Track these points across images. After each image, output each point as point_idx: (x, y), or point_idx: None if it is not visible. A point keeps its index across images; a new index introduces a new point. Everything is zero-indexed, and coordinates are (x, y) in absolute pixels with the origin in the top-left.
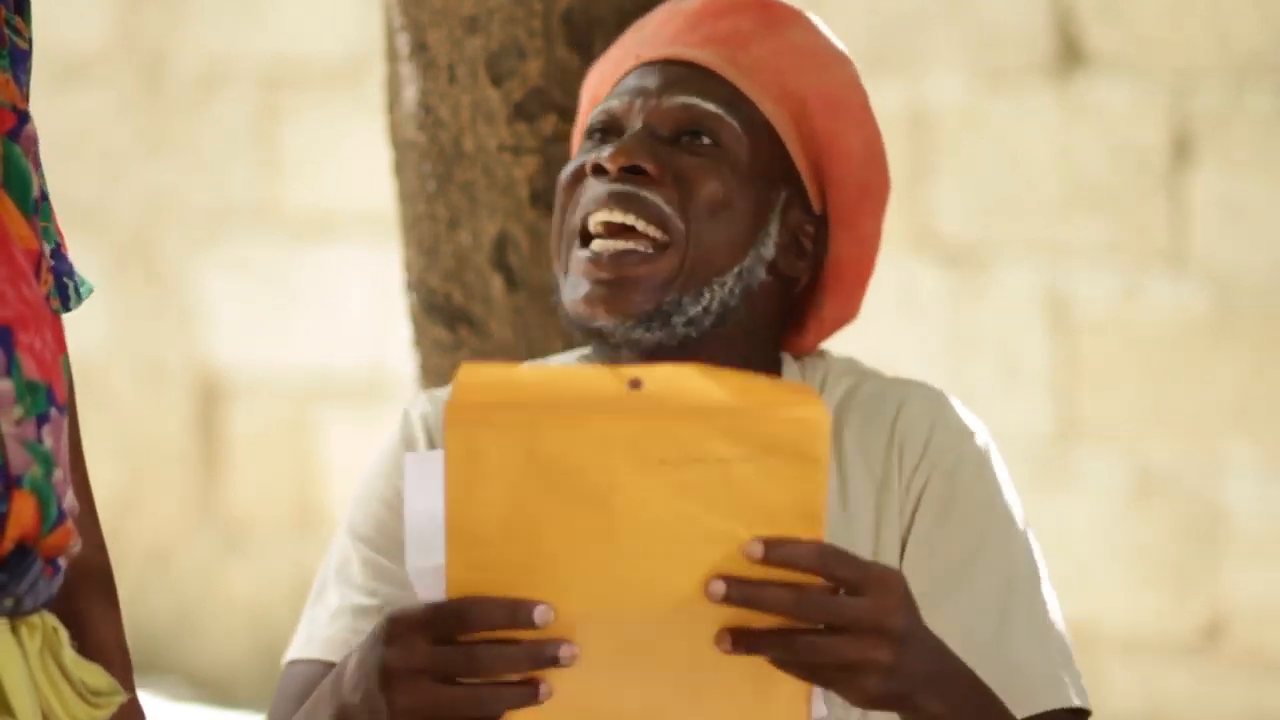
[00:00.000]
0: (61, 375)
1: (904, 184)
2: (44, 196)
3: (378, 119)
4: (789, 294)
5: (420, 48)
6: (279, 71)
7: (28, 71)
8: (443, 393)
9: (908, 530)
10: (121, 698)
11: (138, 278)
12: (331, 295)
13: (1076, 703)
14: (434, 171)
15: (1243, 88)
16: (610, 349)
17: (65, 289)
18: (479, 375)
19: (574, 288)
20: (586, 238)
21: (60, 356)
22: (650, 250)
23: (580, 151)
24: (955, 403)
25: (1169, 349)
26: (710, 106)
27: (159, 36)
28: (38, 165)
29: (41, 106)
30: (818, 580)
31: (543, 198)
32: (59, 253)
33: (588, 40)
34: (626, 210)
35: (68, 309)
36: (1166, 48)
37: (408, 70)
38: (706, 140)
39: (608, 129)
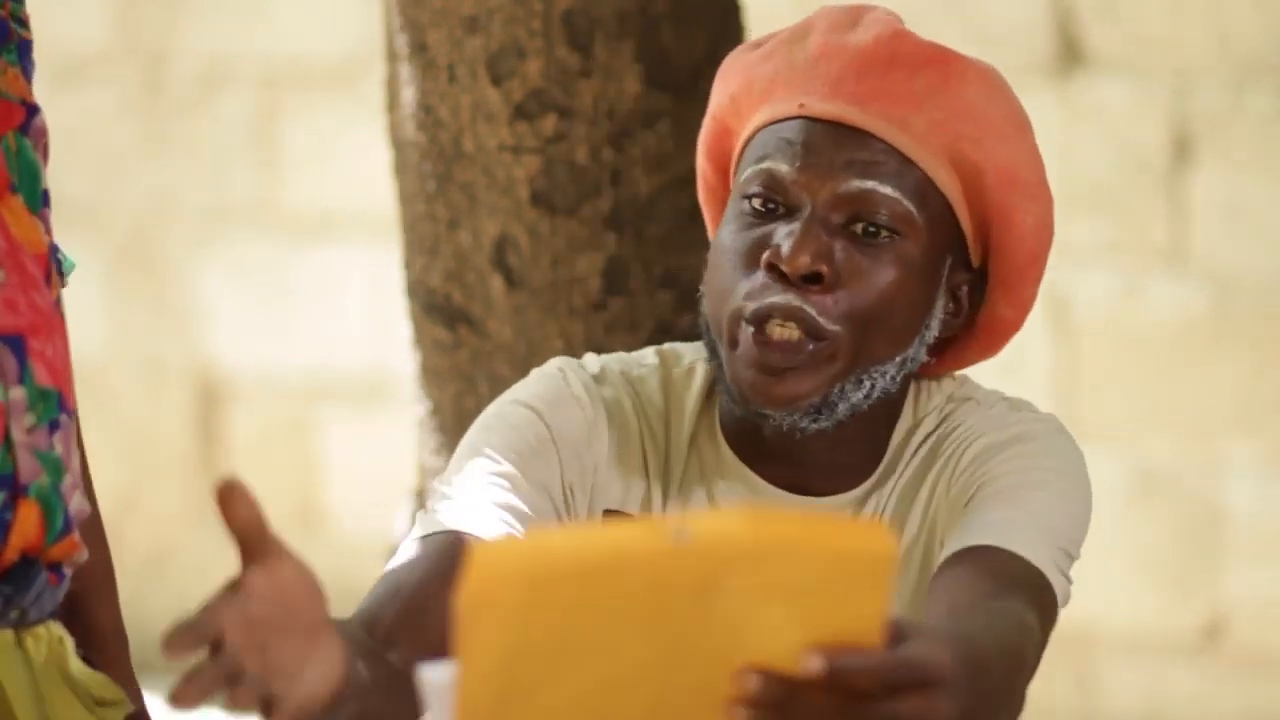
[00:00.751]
0: (70, 381)
1: None
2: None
3: (378, 119)
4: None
5: (420, 48)
6: (279, 71)
7: (33, 63)
8: (591, 367)
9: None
10: (128, 707)
11: (138, 278)
12: (331, 295)
13: (1020, 551)
14: (434, 171)
15: (1243, 88)
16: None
17: (58, 266)
18: (496, 549)
19: (742, 369)
20: (750, 320)
21: (68, 362)
22: (817, 343)
23: (739, 215)
24: (1029, 411)
25: (1169, 349)
26: (887, 190)
27: (159, 36)
28: (46, 158)
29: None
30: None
31: (542, 198)
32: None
33: (588, 40)
34: (790, 325)
35: (63, 284)
36: (1166, 48)
37: (408, 70)
38: (884, 234)
39: (769, 197)
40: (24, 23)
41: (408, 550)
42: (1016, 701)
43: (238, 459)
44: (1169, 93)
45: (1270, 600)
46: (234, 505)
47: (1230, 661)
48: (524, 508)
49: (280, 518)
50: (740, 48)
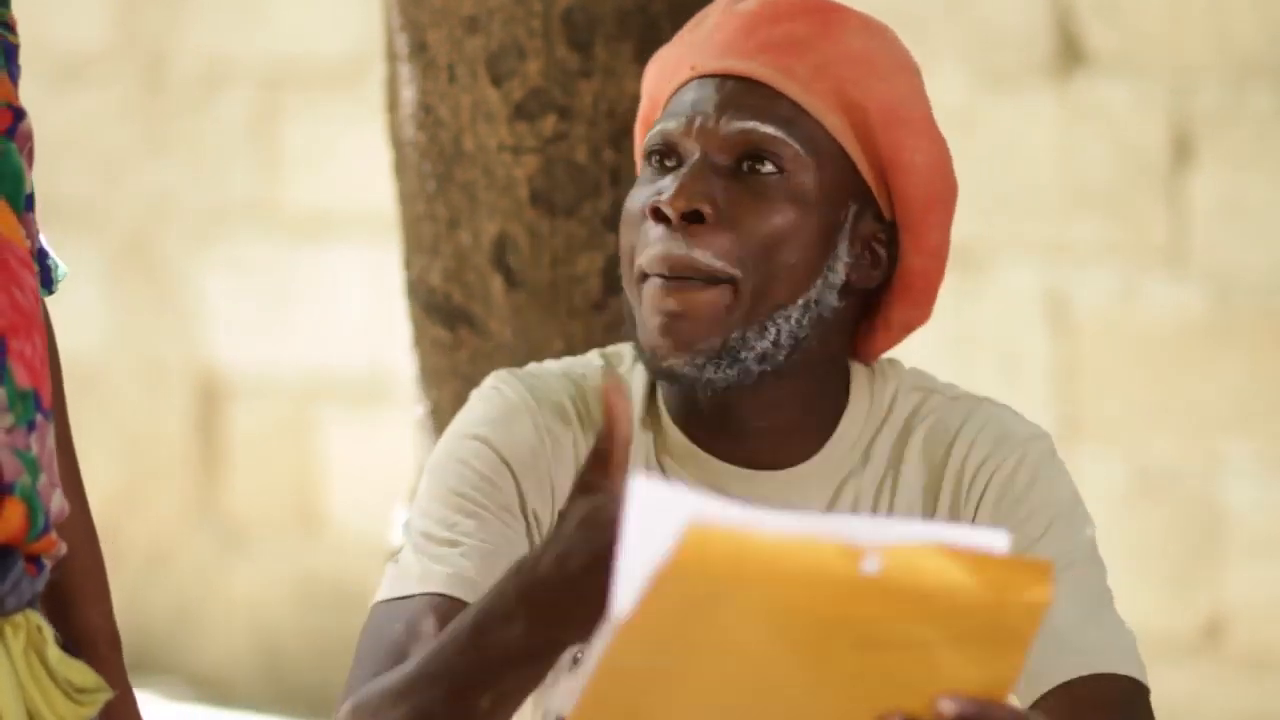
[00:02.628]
0: (48, 381)
1: None
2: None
3: (378, 119)
4: (863, 302)
5: (420, 48)
6: (279, 71)
7: (19, 68)
8: (527, 375)
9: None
10: (107, 694)
11: (138, 278)
12: (331, 295)
13: (1132, 672)
14: (434, 171)
15: (1243, 88)
16: (685, 389)
17: (47, 272)
18: (708, 535)
19: (648, 318)
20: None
21: (47, 361)
22: (707, 281)
23: (640, 178)
24: (1015, 414)
25: (1169, 349)
26: (770, 130)
27: (159, 36)
28: (31, 161)
29: (41, 106)
30: None
31: (542, 198)
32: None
33: (588, 40)
34: (681, 269)
35: (50, 292)
36: (1166, 48)
37: (408, 70)
38: (769, 167)
39: (665, 153)
40: (10, 27)
41: (391, 614)
42: None
43: (238, 459)
44: (1169, 93)
45: (1270, 600)
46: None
47: (1230, 661)
48: (489, 545)
49: (280, 518)
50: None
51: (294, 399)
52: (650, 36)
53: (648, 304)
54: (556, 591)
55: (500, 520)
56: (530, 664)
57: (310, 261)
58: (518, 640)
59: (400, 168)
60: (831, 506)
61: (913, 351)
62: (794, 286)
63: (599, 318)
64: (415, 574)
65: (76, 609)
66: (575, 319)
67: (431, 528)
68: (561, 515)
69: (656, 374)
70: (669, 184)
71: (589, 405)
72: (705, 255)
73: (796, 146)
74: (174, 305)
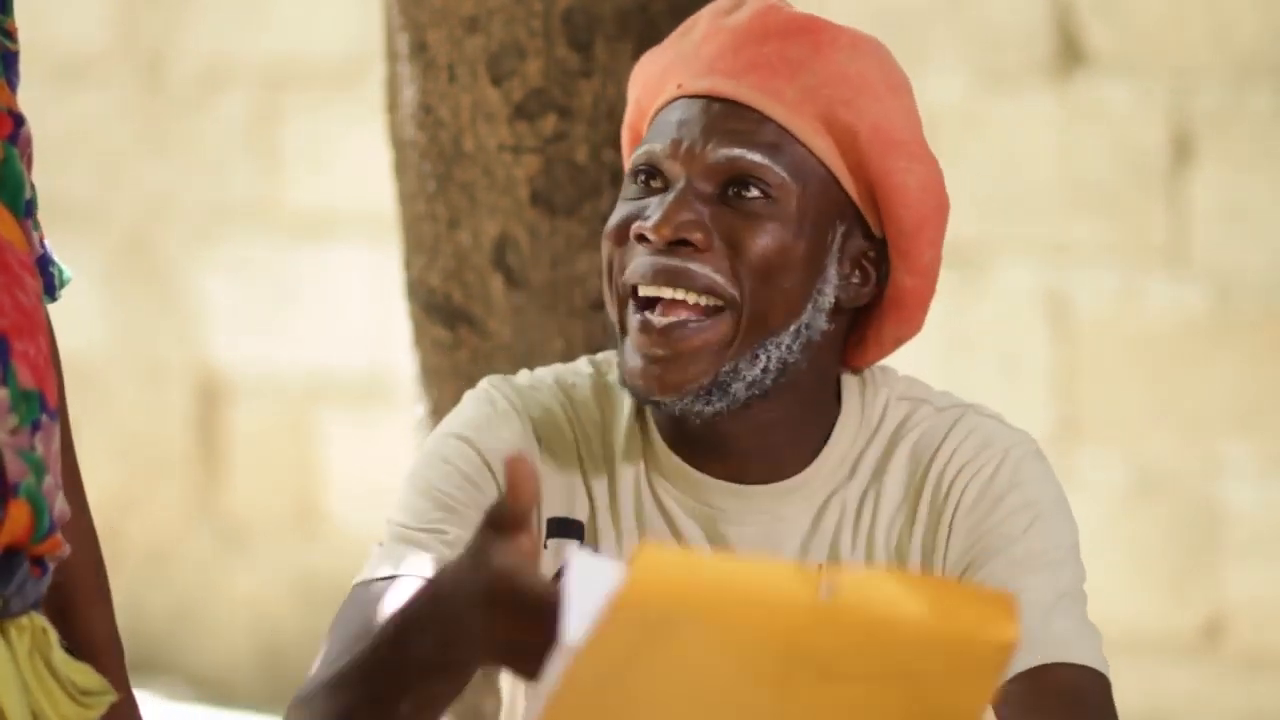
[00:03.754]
0: (53, 381)
1: None
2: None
3: (378, 119)
4: (853, 319)
5: (420, 48)
6: (279, 71)
7: (18, 75)
8: (520, 382)
9: (944, 554)
10: (112, 697)
11: (138, 278)
12: (331, 295)
13: (1090, 663)
14: (434, 171)
15: (1243, 88)
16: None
17: (51, 279)
18: (659, 558)
19: (630, 357)
20: (639, 301)
21: (50, 362)
22: (703, 319)
23: (625, 194)
24: (1001, 422)
25: (1169, 349)
26: (756, 157)
27: (159, 36)
28: (30, 166)
29: (41, 106)
30: None
31: (543, 198)
32: (40, 243)
33: (588, 40)
34: (675, 286)
35: (53, 299)
36: (1166, 48)
37: (408, 70)
38: (755, 193)
39: (650, 174)
40: (10, 35)
41: (365, 597)
42: None
43: (238, 459)
44: (1169, 93)
45: (1270, 600)
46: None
47: (1230, 661)
48: (462, 544)
49: (280, 518)
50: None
51: (294, 399)
52: (650, 36)
53: (632, 340)
54: (450, 614)
55: (474, 514)
56: (443, 676)
57: (310, 261)
58: (431, 651)
59: (400, 168)
60: (818, 519)
61: (913, 352)
62: (788, 311)
63: (599, 317)
64: (392, 559)
65: (77, 612)
66: (575, 319)
67: (411, 519)
68: (468, 547)
69: (642, 403)
70: (654, 208)
71: (580, 416)
72: (704, 269)
73: (782, 173)
74: (174, 305)
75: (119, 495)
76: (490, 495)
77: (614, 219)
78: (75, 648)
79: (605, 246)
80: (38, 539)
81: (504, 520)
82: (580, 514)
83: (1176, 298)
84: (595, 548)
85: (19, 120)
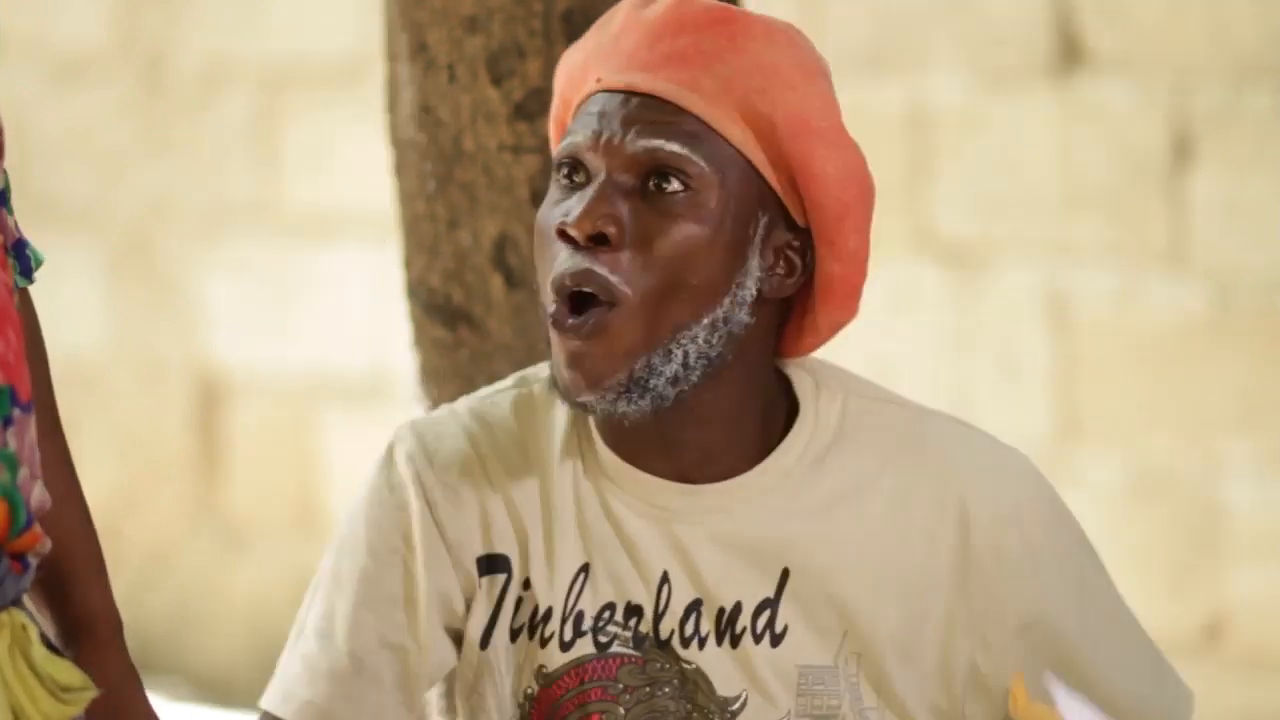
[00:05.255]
0: (24, 375)
1: (903, 184)
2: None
3: (378, 119)
4: (782, 309)
5: (420, 48)
6: (279, 72)
7: None
8: (426, 426)
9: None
10: (92, 693)
11: (138, 278)
12: (331, 295)
13: (1180, 696)
14: (434, 171)
15: (1243, 88)
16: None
17: (27, 261)
18: None
19: (556, 355)
20: (566, 298)
21: (23, 355)
22: (606, 314)
23: (550, 195)
24: (995, 441)
25: (1169, 349)
26: (675, 148)
27: (159, 36)
28: (1, 156)
29: (41, 106)
30: None
31: (542, 197)
32: (15, 227)
33: None
34: (585, 285)
35: (30, 280)
36: (1166, 48)
37: (408, 70)
38: (675, 185)
39: (573, 168)
40: None
41: None
42: None
43: (238, 459)
44: (1169, 93)
45: (1270, 600)
46: None
47: (1230, 661)
48: (388, 637)
49: (280, 518)
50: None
51: (294, 399)
52: None
53: (555, 346)
54: None
55: (382, 613)
56: None
57: (311, 261)
58: None
59: (400, 168)
60: (779, 517)
61: (913, 351)
62: (697, 306)
63: None
64: (283, 689)
65: (75, 592)
66: None
67: (313, 622)
68: None
69: (573, 407)
70: (575, 204)
71: (496, 438)
72: (603, 270)
73: (702, 164)
74: (174, 305)
75: (119, 495)
76: (395, 576)
77: (541, 221)
78: (74, 629)
79: (537, 253)
80: (14, 534)
81: None
82: (505, 545)
83: (1176, 298)
84: (526, 578)
85: None
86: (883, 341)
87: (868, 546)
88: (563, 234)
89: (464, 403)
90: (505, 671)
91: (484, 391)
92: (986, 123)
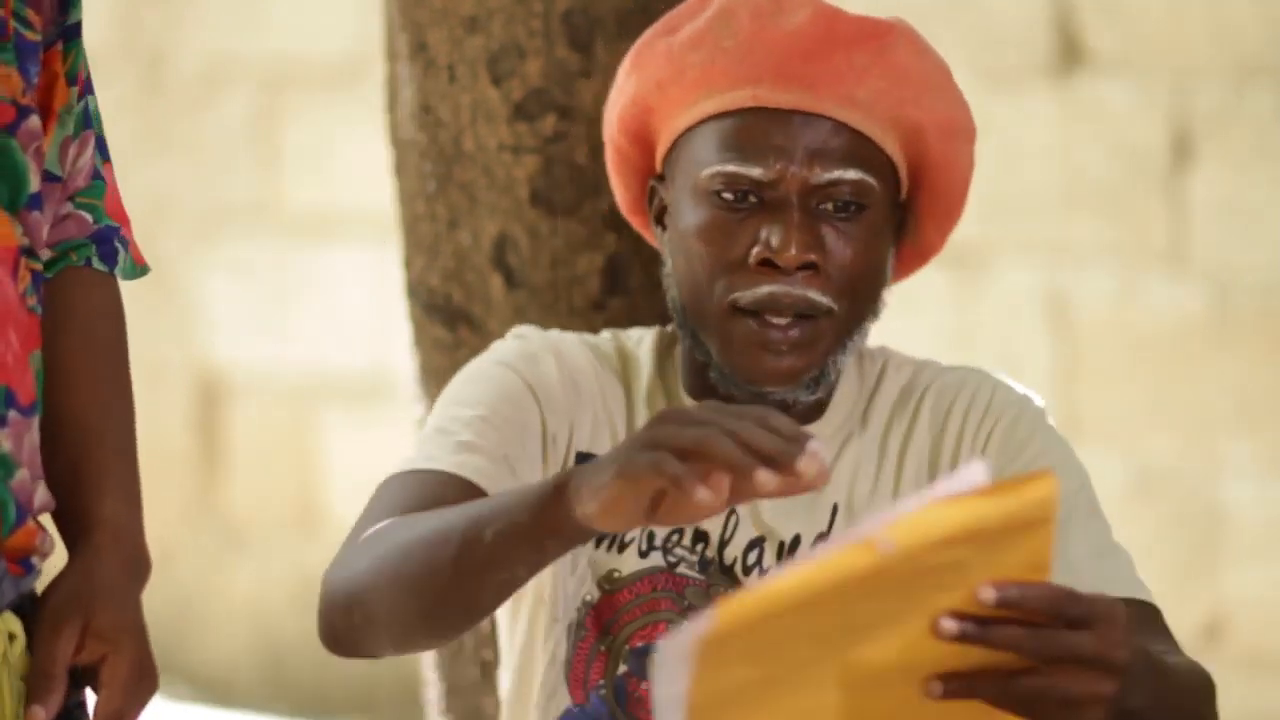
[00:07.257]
0: (27, 376)
1: None
2: (96, 175)
3: (378, 119)
4: None
5: (420, 48)
6: (279, 71)
7: (38, 64)
8: (545, 331)
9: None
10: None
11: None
12: (331, 295)
13: (1142, 596)
14: (434, 171)
15: (1243, 88)
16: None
17: (114, 254)
18: (735, 601)
19: (737, 357)
20: (747, 310)
21: (30, 355)
22: (811, 325)
23: (702, 207)
24: (1007, 379)
25: (1169, 349)
26: (855, 174)
27: (159, 36)
28: (40, 161)
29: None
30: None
31: (542, 197)
32: (111, 227)
33: (588, 40)
34: (800, 307)
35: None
36: (1166, 48)
37: (408, 70)
38: (856, 207)
39: (741, 190)
40: (28, 23)
41: (409, 482)
42: None
43: (238, 459)
44: (1169, 93)
45: (1270, 600)
46: None
47: (1230, 661)
48: (505, 449)
49: (280, 518)
50: (652, 33)
51: (294, 399)
52: None
53: (747, 339)
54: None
55: (517, 438)
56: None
57: (311, 261)
58: (521, 533)
59: (400, 168)
60: (834, 465)
61: (913, 351)
62: (874, 304)
63: (599, 317)
64: (436, 455)
65: (79, 501)
66: (575, 319)
67: (454, 426)
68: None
69: (742, 392)
70: (771, 231)
71: (602, 361)
72: (814, 293)
73: (874, 183)
74: (174, 305)
75: None
76: (532, 417)
77: (714, 232)
78: (75, 539)
79: (703, 250)
80: (4, 534)
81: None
82: (600, 450)
83: (1176, 298)
84: None
85: (23, 112)
86: (883, 341)
87: (899, 477)
88: (766, 261)
89: (569, 333)
90: (569, 572)
91: (582, 334)
92: (986, 122)
